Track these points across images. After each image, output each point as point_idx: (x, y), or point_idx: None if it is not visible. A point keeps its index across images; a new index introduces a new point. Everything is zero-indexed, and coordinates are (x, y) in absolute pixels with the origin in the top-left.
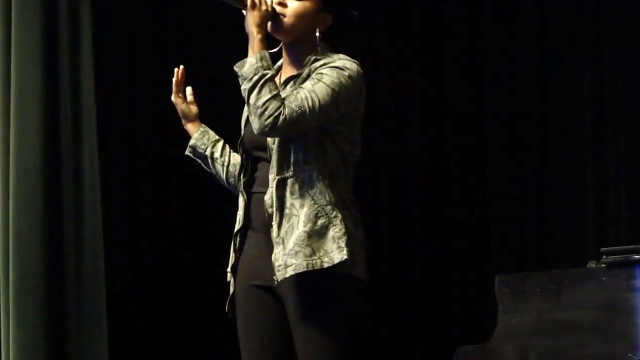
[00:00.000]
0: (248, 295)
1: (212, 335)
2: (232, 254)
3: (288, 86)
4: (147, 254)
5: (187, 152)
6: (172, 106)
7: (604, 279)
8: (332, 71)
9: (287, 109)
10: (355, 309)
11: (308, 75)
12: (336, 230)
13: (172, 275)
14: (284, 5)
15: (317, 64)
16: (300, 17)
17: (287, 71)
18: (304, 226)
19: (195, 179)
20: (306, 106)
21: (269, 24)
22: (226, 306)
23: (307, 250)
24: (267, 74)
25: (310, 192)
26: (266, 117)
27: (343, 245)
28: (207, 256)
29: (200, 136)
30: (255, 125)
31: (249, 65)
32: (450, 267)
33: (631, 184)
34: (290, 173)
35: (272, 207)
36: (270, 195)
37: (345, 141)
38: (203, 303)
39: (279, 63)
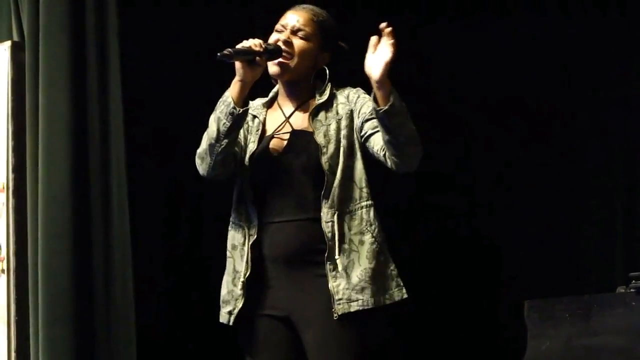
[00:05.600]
0: (261, 324)
1: None
2: (245, 264)
3: (320, 115)
4: (178, 276)
5: (243, 108)
6: (205, 123)
7: (633, 303)
8: None
9: None
10: (381, 336)
11: (350, 110)
12: (392, 268)
13: (205, 300)
14: (290, 44)
15: (354, 94)
16: (305, 56)
17: (291, 102)
18: (369, 263)
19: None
20: None
21: (277, 67)
22: (231, 317)
23: (374, 288)
24: (403, 106)
25: (368, 228)
26: (420, 153)
27: (402, 283)
28: None
29: (247, 110)
30: (405, 162)
31: (398, 101)
32: (477, 292)
33: None
34: (350, 208)
35: (332, 240)
36: (330, 229)
37: None
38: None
39: (271, 95)
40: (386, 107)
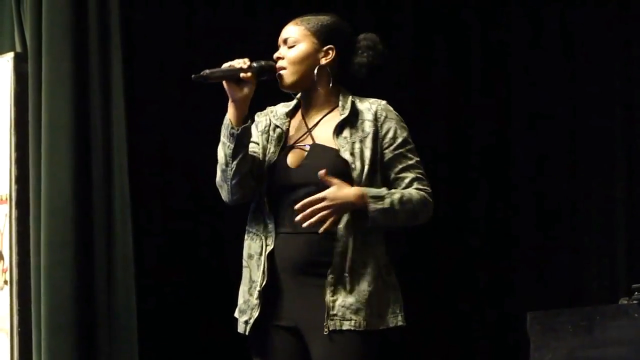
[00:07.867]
0: (273, 334)
1: None
2: (261, 274)
3: (345, 132)
4: (182, 286)
5: (241, 127)
6: (207, 140)
7: (635, 315)
8: (406, 132)
9: (427, 195)
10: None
11: (376, 131)
12: (390, 295)
13: (207, 313)
14: (281, 58)
15: (381, 113)
16: (298, 60)
17: (314, 113)
18: (368, 286)
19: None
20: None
21: (278, 79)
22: (247, 327)
23: (369, 311)
24: (391, 203)
25: (374, 251)
26: (429, 214)
27: (398, 311)
28: None
29: (248, 128)
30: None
31: (376, 212)
32: (480, 304)
33: None
34: (363, 228)
35: (339, 256)
36: (342, 247)
37: None
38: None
39: (295, 102)
40: (369, 224)
